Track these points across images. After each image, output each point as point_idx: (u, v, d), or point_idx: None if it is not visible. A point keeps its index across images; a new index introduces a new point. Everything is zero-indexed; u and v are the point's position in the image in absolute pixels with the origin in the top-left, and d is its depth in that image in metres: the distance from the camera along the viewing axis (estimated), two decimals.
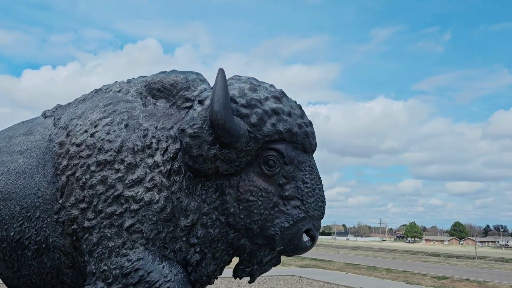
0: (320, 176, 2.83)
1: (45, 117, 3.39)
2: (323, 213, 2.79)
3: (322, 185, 2.83)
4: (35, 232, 2.87)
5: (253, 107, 2.62)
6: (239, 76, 2.94)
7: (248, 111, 2.61)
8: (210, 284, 3.03)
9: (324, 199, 2.81)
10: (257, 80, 2.92)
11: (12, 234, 2.91)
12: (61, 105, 3.48)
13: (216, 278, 3.02)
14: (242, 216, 2.71)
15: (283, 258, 3.26)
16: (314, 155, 2.92)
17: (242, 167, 2.67)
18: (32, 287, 3.15)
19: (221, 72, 2.56)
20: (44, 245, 2.88)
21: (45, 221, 2.86)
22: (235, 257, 2.97)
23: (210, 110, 2.46)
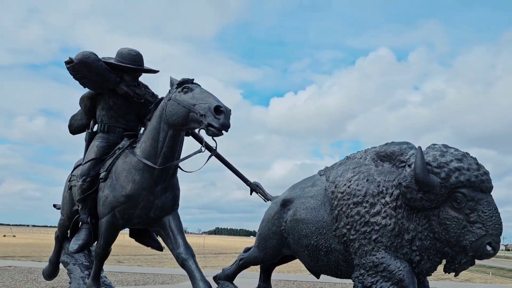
0: (497, 207, 4.26)
1: (320, 175, 5.81)
2: (500, 232, 4.20)
3: (498, 213, 4.25)
4: (323, 241, 5.24)
5: (441, 167, 4.32)
6: (434, 145, 4.67)
7: (439, 170, 4.32)
8: (429, 276, 4.78)
9: (501, 222, 4.22)
10: (446, 147, 4.58)
11: (312, 242, 5.36)
12: (327, 167, 5.85)
13: (432, 272, 4.74)
14: (443, 234, 4.40)
15: None
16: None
17: (440, 203, 4.38)
18: (324, 273, 5.56)
19: (419, 149, 4.39)
20: (329, 248, 5.21)
21: (328, 235, 5.19)
22: (443, 259, 4.64)
23: (414, 173, 4.31)
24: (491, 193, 4.40)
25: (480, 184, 4.28)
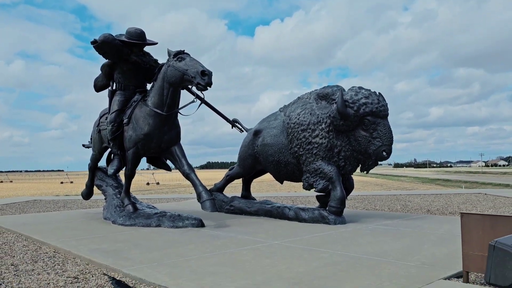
0: (390, 127, 6.53)
1: (280, 111, 7.98)
2: (391, 143, 6.50)
3: (391, 131, 6.52)
4: (283, 157, 7.54)
5: (355, 103, 6.52)
6: (353, 87, 6.83)
7: (353, 105, 6.52)
8: (350, 174, 7.17)
9: (392, 136, 6.51)
10: (360, 88, 6.74)
11: (275, 158, 7.66)
12: (286, 105, 8.01)
13: (352, 173, 7.13)
14: (357, 146, 6.70)
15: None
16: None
17: (354, 127, 6.63)
18: (285, 179, 7.94)
19: (341, 90, 6.55)
20: (286, 162, 7.53)
21: (286, 153, 7.49)
22: (359, 163, 6.99)
23: (336, 106, 6.51)
24: (388, 118, 6.67)
25: (379, 113, 6.51)
